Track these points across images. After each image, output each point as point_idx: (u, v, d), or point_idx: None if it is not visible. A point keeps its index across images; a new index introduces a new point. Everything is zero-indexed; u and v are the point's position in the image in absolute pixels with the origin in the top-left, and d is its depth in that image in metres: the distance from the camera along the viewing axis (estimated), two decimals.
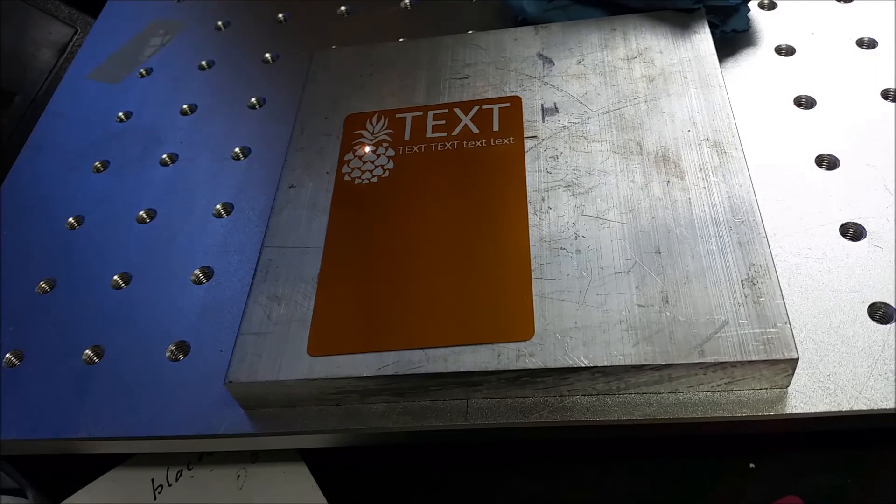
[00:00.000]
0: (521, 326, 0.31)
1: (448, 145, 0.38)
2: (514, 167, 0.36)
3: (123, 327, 0.38)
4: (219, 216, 0.42)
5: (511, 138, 0.38)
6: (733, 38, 0.43)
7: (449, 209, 0.35)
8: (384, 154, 0.38)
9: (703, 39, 0.40)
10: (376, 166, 0.38)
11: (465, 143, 0.38)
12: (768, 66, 0.42)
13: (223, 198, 0.43)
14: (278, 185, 0.38)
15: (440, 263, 0.33)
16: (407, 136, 0.39)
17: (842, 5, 0.45)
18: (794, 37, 0.43)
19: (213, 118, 0.48)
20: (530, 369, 0.29)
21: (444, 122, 0.39)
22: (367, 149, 0.38)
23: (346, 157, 0.39)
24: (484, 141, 0.38)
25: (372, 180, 0.37)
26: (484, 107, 0.39)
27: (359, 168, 0.38)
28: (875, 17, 0.43)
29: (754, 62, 0.43)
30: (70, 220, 0.44)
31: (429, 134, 0.39)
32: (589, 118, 0.38)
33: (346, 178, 0.38)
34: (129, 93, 0.51)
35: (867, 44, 0.42)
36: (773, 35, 0.44)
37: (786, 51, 0.43)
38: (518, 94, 0.40)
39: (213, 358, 0.35)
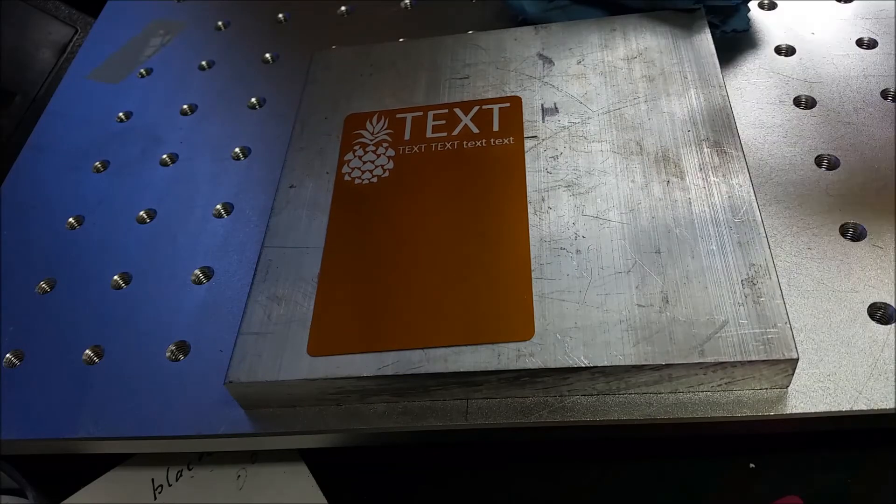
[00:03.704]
0: (521, 326, 0.31)
1: (448, 145, 0.38)
2: (514, 167, 0.36)
3: (123, 327, 0.38)
4: (219, 216, 0.42)
5: (511, 138, 0.38)
6: (733, 38, 0.43)
7: (449, 209, 0.35)
8: (384, 154, 0.38)
9: (703, 39, 0.40)
10: (376, 166, 0.38)
11: (465, 143, 0.38)
12: (768, 66, 0.42)
13: (223, 198, 0.43)
14: (278, 185, 0.38)
15: (440, 263, 0.33)
16: (407, 137, 0.39)
17: (842, 5, 0.45)
18: (794, 37, 0.43)
19: (213, 118, 0.48)
20: (530, 369, 0.29)
21: (444, 122, 0.39)
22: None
23: (347, 157, 0.39)
24: (484, 141, 0.38)
25: (372, 180, 0.37)
26: (484, 107, 0.39)
27: (359, 168, 0.38)
28: (875, 17, 0.43)
29: (754, 62, 0.43)
30: (70, 220, 0.44)
31: (429, 134, 0.39)
32: (589, 118, 0.38)
33: (346, 178, 0.38)
34: (129, 93, 0.51)
35: (867, 44, 0.42)
36: (773, 35, 0.44)
37: (786, 51, 0.43)
38: (518, 94, 0.40)
39: (213, 358, 0.35)
